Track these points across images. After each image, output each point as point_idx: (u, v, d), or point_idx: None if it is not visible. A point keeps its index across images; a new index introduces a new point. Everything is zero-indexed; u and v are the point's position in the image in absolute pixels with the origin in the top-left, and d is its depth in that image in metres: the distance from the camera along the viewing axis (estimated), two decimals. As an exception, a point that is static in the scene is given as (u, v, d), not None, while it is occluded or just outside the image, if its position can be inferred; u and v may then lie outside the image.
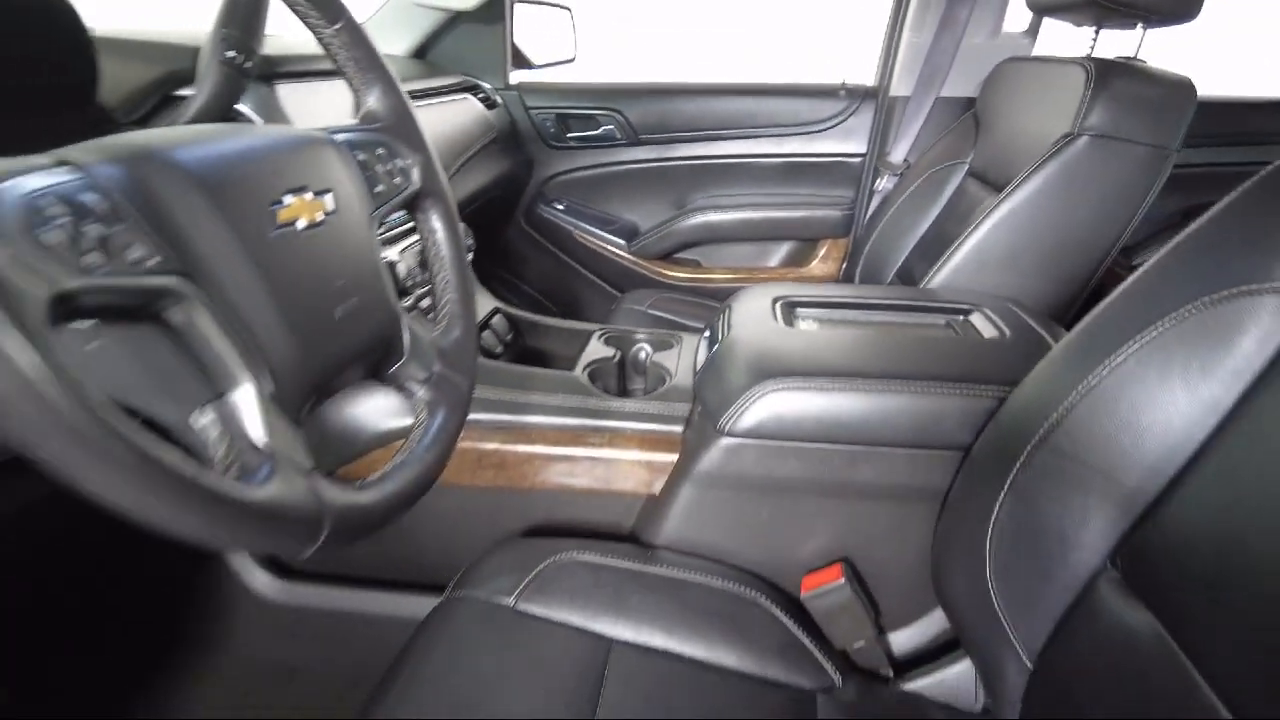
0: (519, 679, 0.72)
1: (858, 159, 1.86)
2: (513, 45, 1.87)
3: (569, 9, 1.95)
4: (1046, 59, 1.37)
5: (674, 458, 0.94)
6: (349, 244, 0.56)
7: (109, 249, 0.39)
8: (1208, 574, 0.53)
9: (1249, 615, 0.49)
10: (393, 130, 0.66)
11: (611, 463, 0.95)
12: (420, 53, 1.82)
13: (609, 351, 1.13)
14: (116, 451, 0.35)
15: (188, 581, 1.04)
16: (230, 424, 0.44)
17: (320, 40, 0.64)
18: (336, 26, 0.63)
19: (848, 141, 1.86)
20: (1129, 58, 1.26)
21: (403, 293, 0.97)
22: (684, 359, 1.12)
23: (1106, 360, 0.66)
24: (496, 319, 1.23)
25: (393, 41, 1.77)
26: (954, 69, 1.69)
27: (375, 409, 0.94)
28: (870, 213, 1.82)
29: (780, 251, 2.00)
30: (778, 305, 1.06)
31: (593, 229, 1.97)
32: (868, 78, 1.88)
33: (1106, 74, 1.16)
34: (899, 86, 1.77)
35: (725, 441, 0.87)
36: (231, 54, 0.70)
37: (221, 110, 0.72)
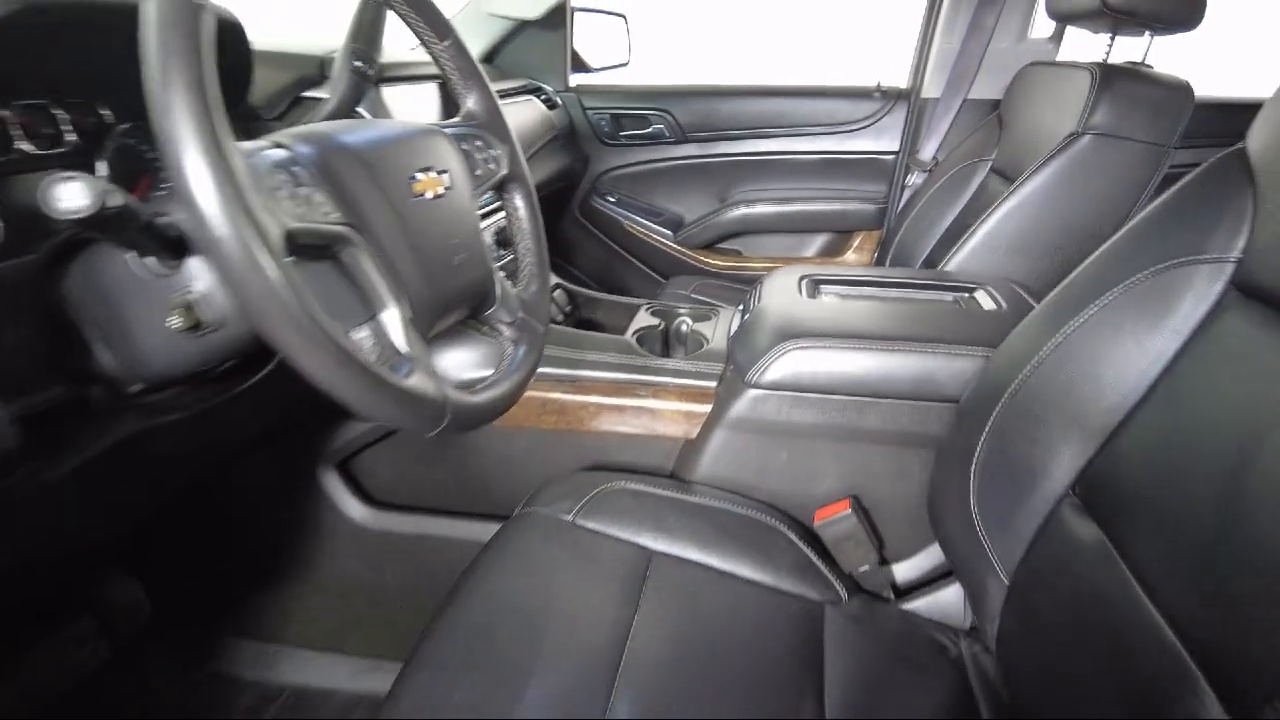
0: (575, 577, 0.88)
1: (890, 156, 1.99)
2: (572, 51, 2.05)
3: (624, 17, 2.12)
4: (1062, 64, 1.49)
5: (708, 408, 1.10)
6: (460, 213, 0.73)
7: (309, 204, 0.56)
8: (1146, 497, 0.66)
9: (1176, 530, 0.61)
10: (487, 126, 0.83)
11: (655, 411, 1.12)
12: (489, 57, 2.01)
13: (655, 321, 1.30)
14: (323, 343, 0.51)
15: (297, 510, 1.24)
16: (381, 337, 0.61)
17: (431, 53, 0.81)
18: (446, 43, 0.80)
19: (881, 140, 1.99)
20: (1135, 62, 1.38)
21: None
22: (719, 328, 1.27)
23: (1072, 320, 0.80)
24: (557, 293, 1.41)
25: (465, 47, 1.96)
26: (981, 73, 1.81)
27: (459, 362, 1.12)
28: (901, 207, 1.95)
29: (816, 242, 2.14)
30: (803, 282, 1.21)
31: (641, 220, 2.14)
32: (893, 78, 2.00)
33: (1110, 77, 1.28)
34: (930, 89, 1.89)
35: (752, 393, 1.02)
36: (358, 63, 0.87)
37: (349, 109, 0.90)
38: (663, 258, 2.13)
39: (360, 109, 1.04)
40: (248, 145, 0.56)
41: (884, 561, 1.06)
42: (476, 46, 1.97)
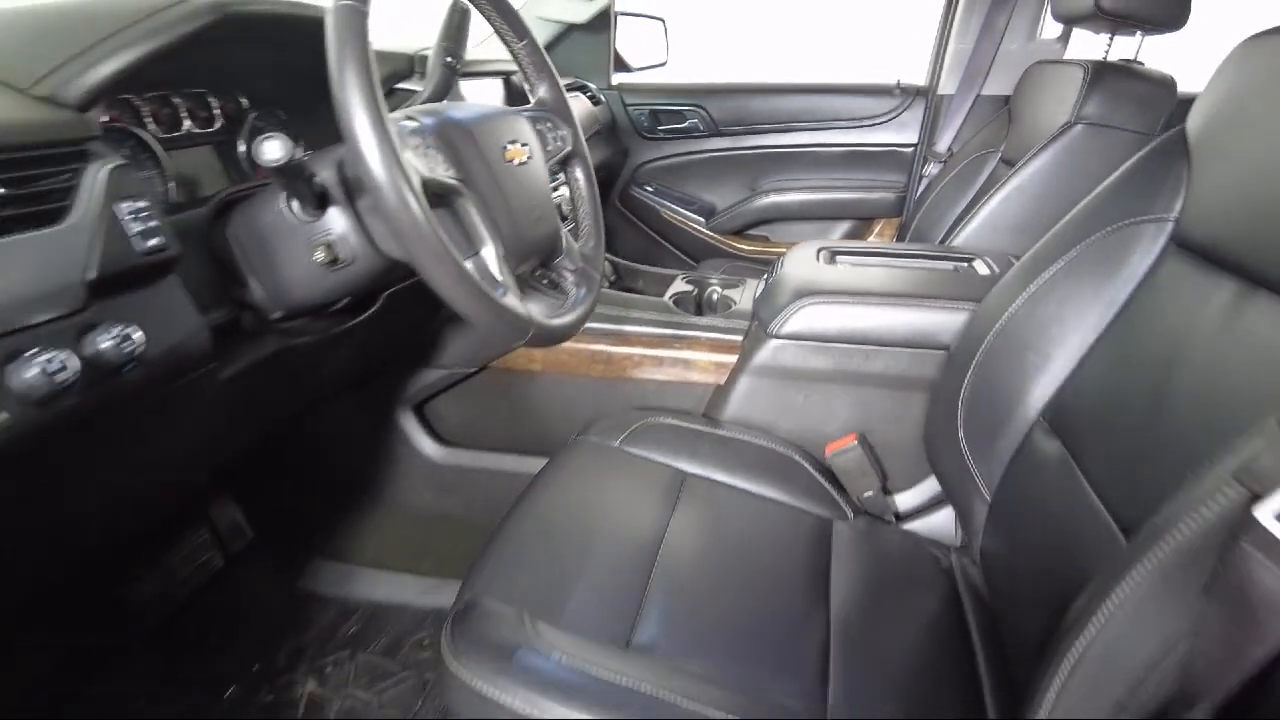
0: (619, 490, 1.05)
1: (908, 149, 2.14)
2: (615, 52, 2.23)
3: (663, 21, 2.30)
4: (1062, 61, 1.63)
5: (735, 358, 1.26)
6: (537, 179, 0.91)
7: (433, 161, 0.75)
8: (1098, 414, 0.82)
9: (1117, 435, 0.76)
10: (556, 111, 1.01)
11: (688, 361, 1.29)
12: (539, 58, 2.19)
13: (689, 288, 1.47)
14: (448, 262, 0.69)
15: (378, 447, 1.43)
16: (482, 267, 0.79)
17: (510, 50, 0.99)
18: (523, 42, 0.98)
19: (900, 133, 2.15)
20: (1129, 60, 1.53)
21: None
22: (746, 294, 1.44)
23: (1042, 274, 0.95)
24: (604, 264, 1.59)
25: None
26: (993, 71, 1.96)
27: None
28: (918, 195, 2.11)
29: (840, 229, 2.30)
30: (821, 253, 1.38)
31: (676, 208, 2.32)
32: (910, 76, 2.16)
33: (1101, 73, 1.43)
34: (945, 86, 2.05)
35: (773, 343, 1.19)
36: (449, 59, 1.05)
37: (440, 97, 1.08)
38: (696, 243, 2.30)
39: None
40: (393, 115, 0.74)
41: (887, 492, 1.22)
42: (528, 47, 2.16)
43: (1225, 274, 0.75)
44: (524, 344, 0.80)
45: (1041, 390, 0.93)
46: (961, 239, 1.52)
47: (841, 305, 1.16)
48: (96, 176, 0.70)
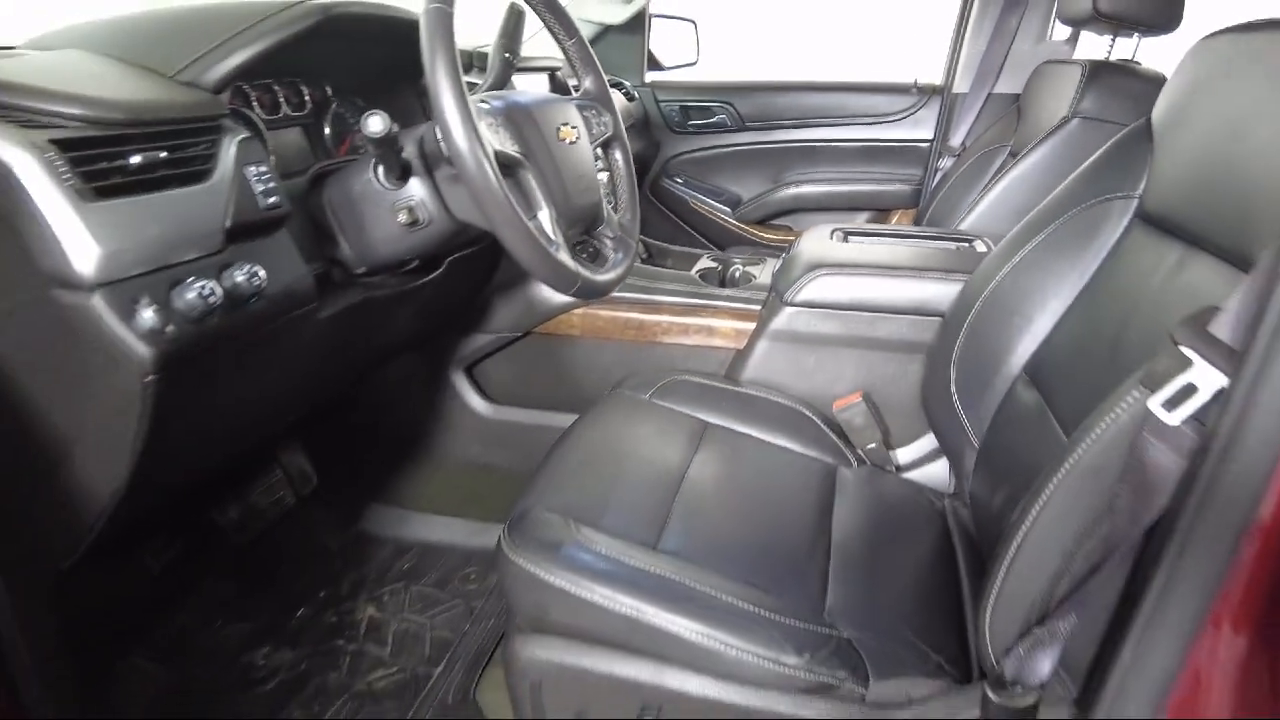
0: (647, 433, 1.19)
1: (924, 144, 2.27)
2: (649, 51, 2.38)
3: (694, 23, 2.44)
4: (1065, 61, 1.75)
5: (753, 324, 1.40)
6: (585, 157, 1.06)
7: (500, 138, 0.90)
8: (1069, 366, 0.94)
9: (1082, 383, 0.89)
10: (599, 100, 1.17)
11: (712, 328, 1.43)
12: (578, 56, 2.35)
13: (714, 265, 1.62)
14: (516, 221, 0.85)
15: (432, 403, 1.59)
16: (539, 228, 0.94)
17: (561, 46, 1.15)
18: (573, 40, 1.13)
19: (917, 129, 2.28)
20: (1126, 60, 1.64)
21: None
22: (766, 271, 1.58)
23: (1025, 245, 1.08)
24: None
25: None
26: (1004, 70, 2.08)
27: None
28: (933, 187, 2.23)
29: (858, 220, 2.43)
30: (835, 233, 1.51)
31: (704, 198, 2.46)
32: (924, 74, 2.28)
33: (1097, 71, 1.55)
34: (960, 84, 2.17)
35: (788, 309, 1.33)
36: (506, 55, 1.21)
37: (500, 87, 1.24)
38: (722, 231, 2.45)
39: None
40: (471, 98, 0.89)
41: (889, 446, 1.35)
42: (568, 47, 2.32)
43: (1174, 239, 0.88)
44: (570, 294, 0.95)
45: (1024, 349, 1.05)
46: (967, 223, 1.65)
47: (850, 276, 1.30)
48: (230, 146, 0.86)
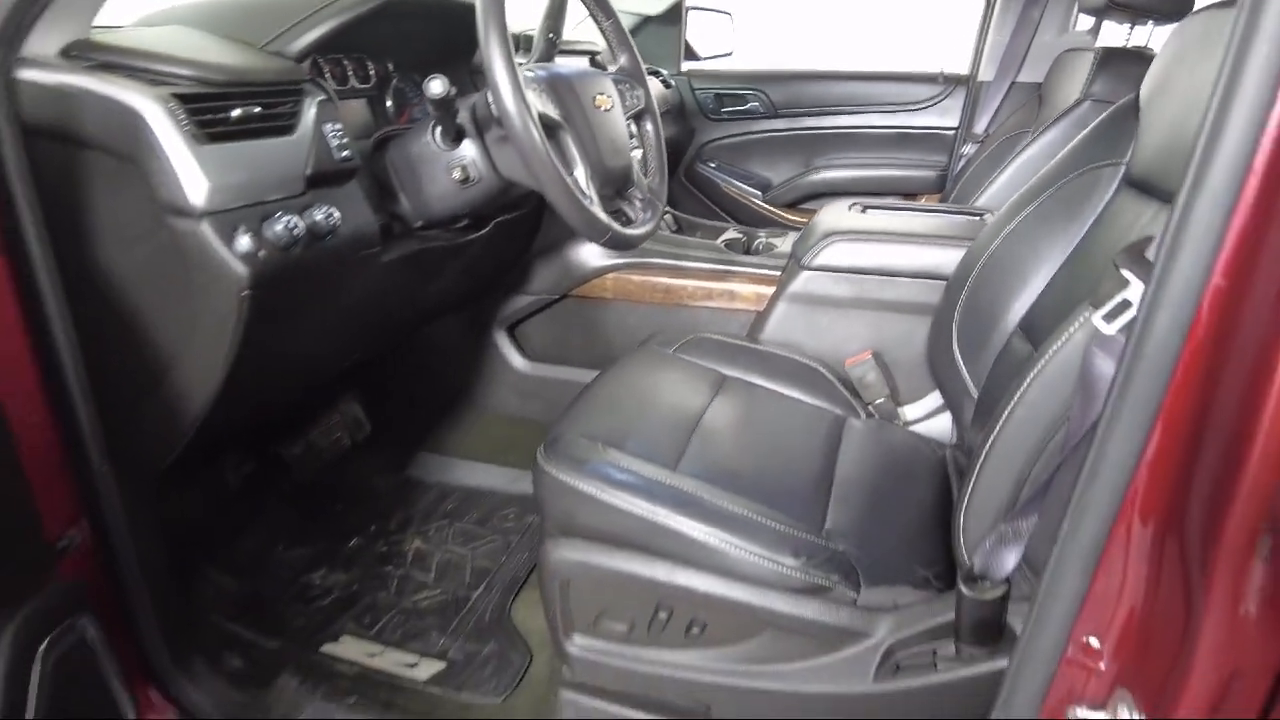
0: (670, 380, 1.29)
1: (949, 131, 2.35)
2: (685, 42, 2.49)
3: (730, 14, 2.55)
4: (1082, 49, 1.83)
5: (773, 288, 1.51)
6: (617, 124, 1.18)
7: (543, 103, 1.02)
8: (1057, 319, 1.02)
9: None
10: (633, 76, 1.29)
11: (734, 292, 1.55)
12: (618, 45, 2.48)
13: (739, 235, 1.73)
14: (556, 176, 0.97)
15: (475, 360, 1.73)
16: (575, 184, 1.07)
17: (599, 26, 1.27)
18: (610, 20, 1.25)
19: (943, 117, 2.36)
20: (1140, 46, 1.72)
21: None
22: (787, 242, 1.69)
23: (1020, 212, 1.17)
24: (666, 216, 1.86)
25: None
26: (1028, 60, 2.15)
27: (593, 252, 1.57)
28: (957, 172, 2.31)
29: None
30: (854, 206, 1.61)
31: (736, 183, 2.57)
32: (944, 63, 2.37)
33: (1108, 57, 1.63)
34: (984, 74, 2.25)
35: (805, 273, 1.43)
36: (550, 35, 1.33)
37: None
38: (752, 214, 2.55)
39: (542, 69, 1.51)
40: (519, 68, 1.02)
41: (896, 403, 1.45)
42: (609, 36, 2.45)
43: (1150, 198, 0.97)
44: (601, 243, 1.07)
45: (1019, 306, 1.14)
46: (982, 200, 1.74)
47: (863, 243, 1.40)
48: (311, 106, 1.00)
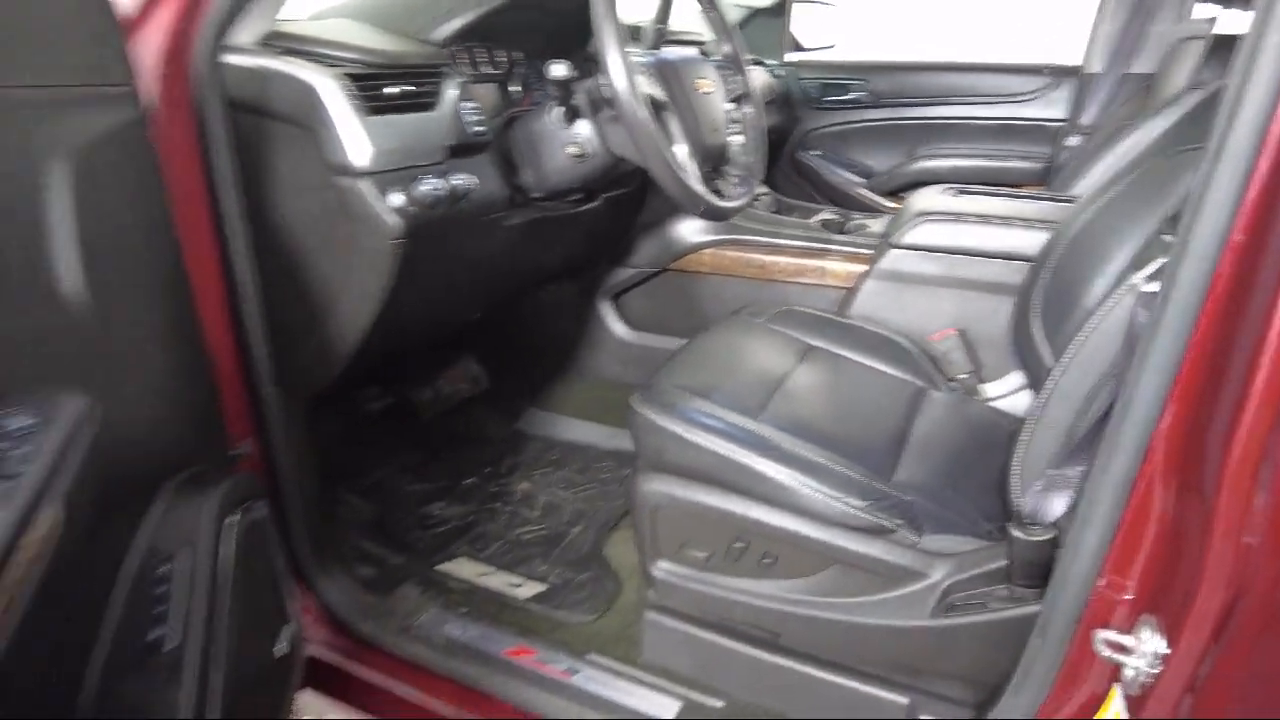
0: (757, 345, 1.40)
1: (1054, 123, 2.34)
2: (790, 34, 2.58)
3: (834, 6, 2.62)
4: (1195, 37, 1.81)
5: (865, 266, 1.59)
6: (717, 106, 1.30)
7: (650, 85, 1.15)
8: None
9: None
10: (734, 62, 1.40)
11: (826, 270, 1.63)
12: (727, 37, 2.59)
13: (834, 216, 1.81)
14: (658, 152, 1.10)
15: (582, 326, 1.88)
16: (674, 159, 1.19)
17: (706, 18, 1.39)
18: (715, 12, 1.37)
19: (1048, 109, 2.36)
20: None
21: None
22: (881, 223, 1.76)
23: (1107, 193, 1.22)
24: (766, 197, 1.96)
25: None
26: (1142, 50, 2.13)
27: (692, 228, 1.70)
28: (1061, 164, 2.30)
29: (986, 195, 2.52)
30: (948, 190, 1.67)
31: (839, 170, 2.63)
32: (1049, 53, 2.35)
33: (1219, 44, 1.63)
34: (1094, 65, 2.23)
35: (894, 251, 1.51)
36: (659, 26, 1.46)
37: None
38: (853, 202, 2.60)
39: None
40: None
41: (979, 380, 1.50)
42: (718, 28, 2.56)
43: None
44: (697, 214, 1.20)
45: (1101, 284, 1.18)
46: (1079, 188, 1.75)
47: (952, 224, 1.47)
48: (451, 86, 1.17)
